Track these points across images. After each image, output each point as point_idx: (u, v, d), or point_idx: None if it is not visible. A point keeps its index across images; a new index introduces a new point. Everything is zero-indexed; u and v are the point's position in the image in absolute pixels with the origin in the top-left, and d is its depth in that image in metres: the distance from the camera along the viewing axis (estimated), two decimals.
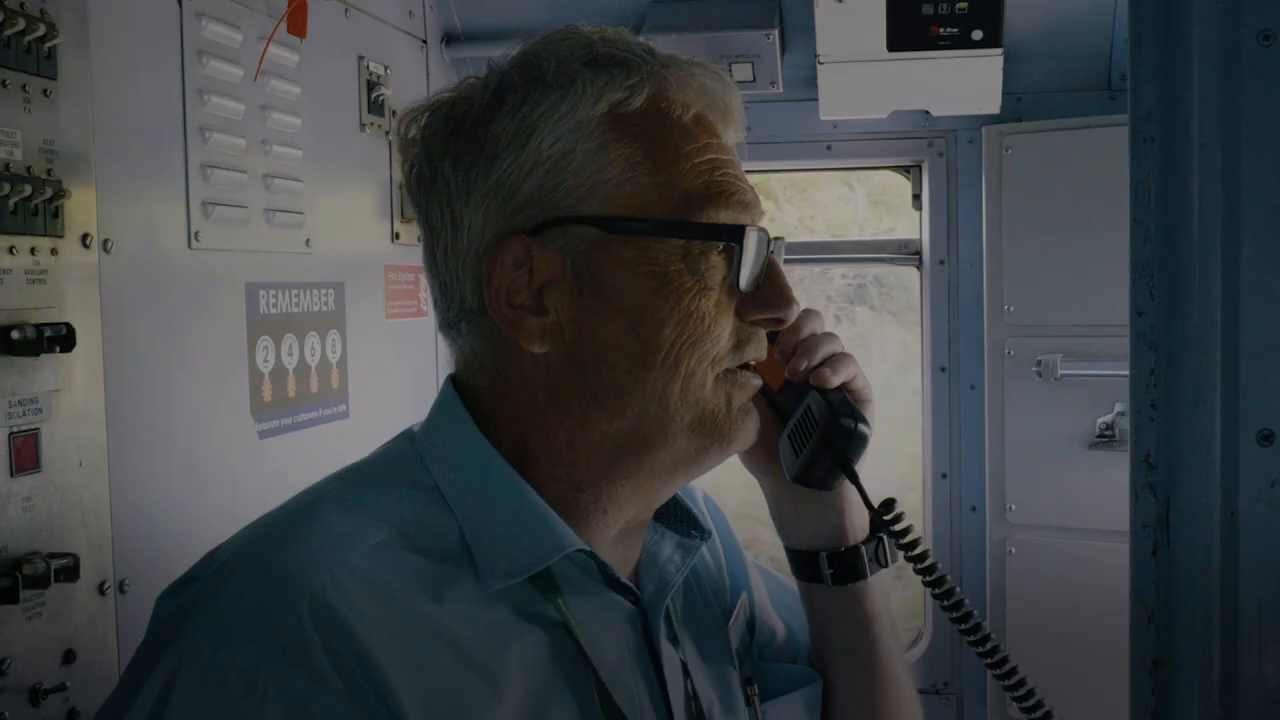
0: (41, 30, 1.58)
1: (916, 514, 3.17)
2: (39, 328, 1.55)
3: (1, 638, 1.53)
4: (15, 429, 1.55)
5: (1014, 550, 2.90)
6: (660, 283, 1.13)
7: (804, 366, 1.30)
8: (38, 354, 1.55)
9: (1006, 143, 2.85)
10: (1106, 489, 2.77)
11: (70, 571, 1.58)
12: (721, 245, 1.15)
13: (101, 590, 1.69)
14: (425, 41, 2.86)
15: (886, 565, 1.40)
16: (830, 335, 1.33)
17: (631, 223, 1.13)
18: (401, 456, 1.22)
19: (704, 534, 1.33)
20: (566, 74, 1.14)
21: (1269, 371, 1.18)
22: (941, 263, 3.01)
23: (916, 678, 3.05)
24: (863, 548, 1.38)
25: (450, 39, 2.97)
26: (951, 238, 3.00)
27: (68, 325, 1.58)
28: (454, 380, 1.25)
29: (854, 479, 1.30)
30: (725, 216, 1.15)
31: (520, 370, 1.18)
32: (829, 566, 1.38)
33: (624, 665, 1.20)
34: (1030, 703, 1.35)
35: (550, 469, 1.18)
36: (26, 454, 1.56)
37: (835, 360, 1.32)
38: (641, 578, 1.28)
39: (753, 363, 1.22)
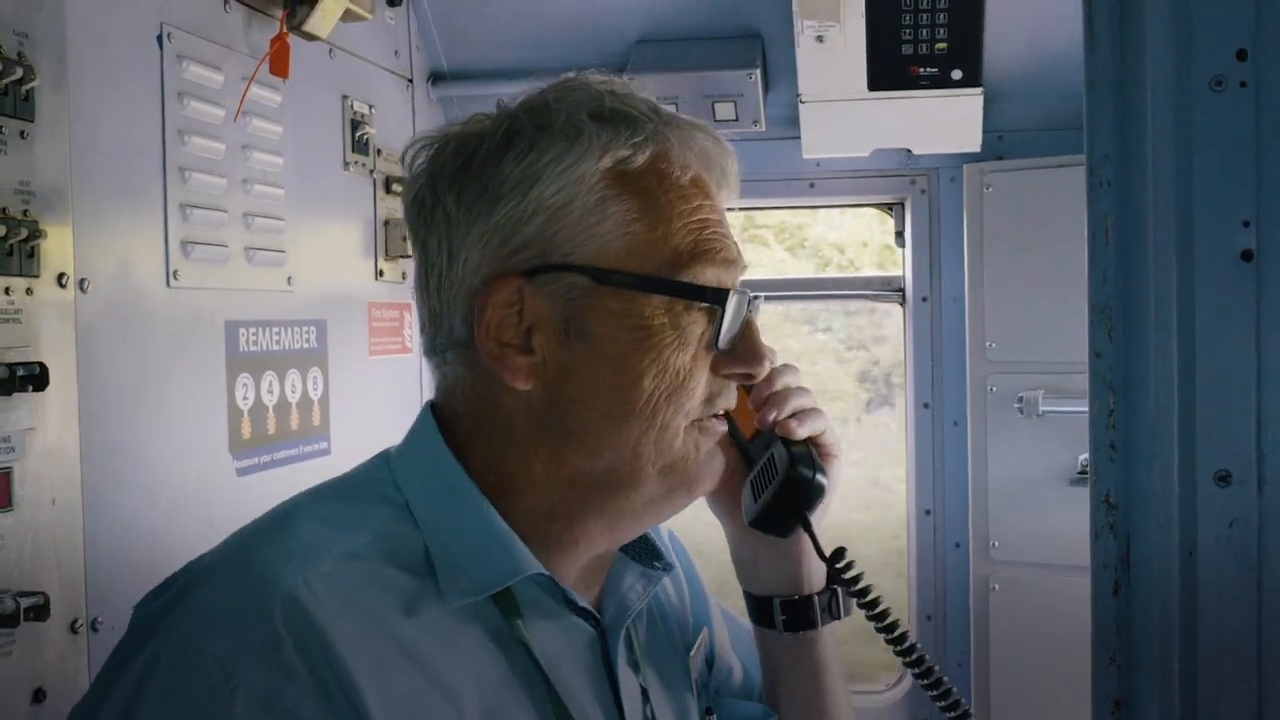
0: (18, 74, 1.59)
1: (900, 552, 3.17)
2: (11, 367, 1.56)
3: None
4: None
5: (998, 587, 2.90)
6: (644, 335, 1.18)
7: (772, 417, 1.35)
8: (10, 393, 1.56)
9: (987, 181, 2.87)
10: (1088, 525, 2.77)
11: (40, 610, 1.58)
12: (705, 304, 1.20)
13: (73, 629, 1.69)
14: (411, 80, 2.89)
15: (839, 617, 1.44)
16: (803, 390, 1.38)
17: (621, 275, 1.18)
18: (376, 475, 1.26)
19: (667, 566, 1.36)
20: (574, 125, 1.18)
21: (1226, 412, 1.19)
22: (924, 299, 3.03)
23: (900, 715, 3.06)
24: (816, 598, 1.43)
25: (436, 78, 3.00)
26: (934, 274, 3.02)
27: (41, 364, 1.59)
28: (433, 407, 1.29)
29: (808, 528, 1.34)
30: (710, 274, 1.20)
31: (502, 404, 1.22)
32: (782, 613, 1.43)
33: (582, 687, 1.24)
34: None
35: (524, 498, 1.22)
36: None
37: (804, 414, 1.37)
38: (604, 604, 1.31)
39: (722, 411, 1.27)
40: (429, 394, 2.73)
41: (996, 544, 2.89)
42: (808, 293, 3.32)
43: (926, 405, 3.04)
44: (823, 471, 1.33)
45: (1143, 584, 1.26)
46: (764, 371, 1.28)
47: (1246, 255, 1.16)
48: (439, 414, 1.27)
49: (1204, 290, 1.19)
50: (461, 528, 1.19)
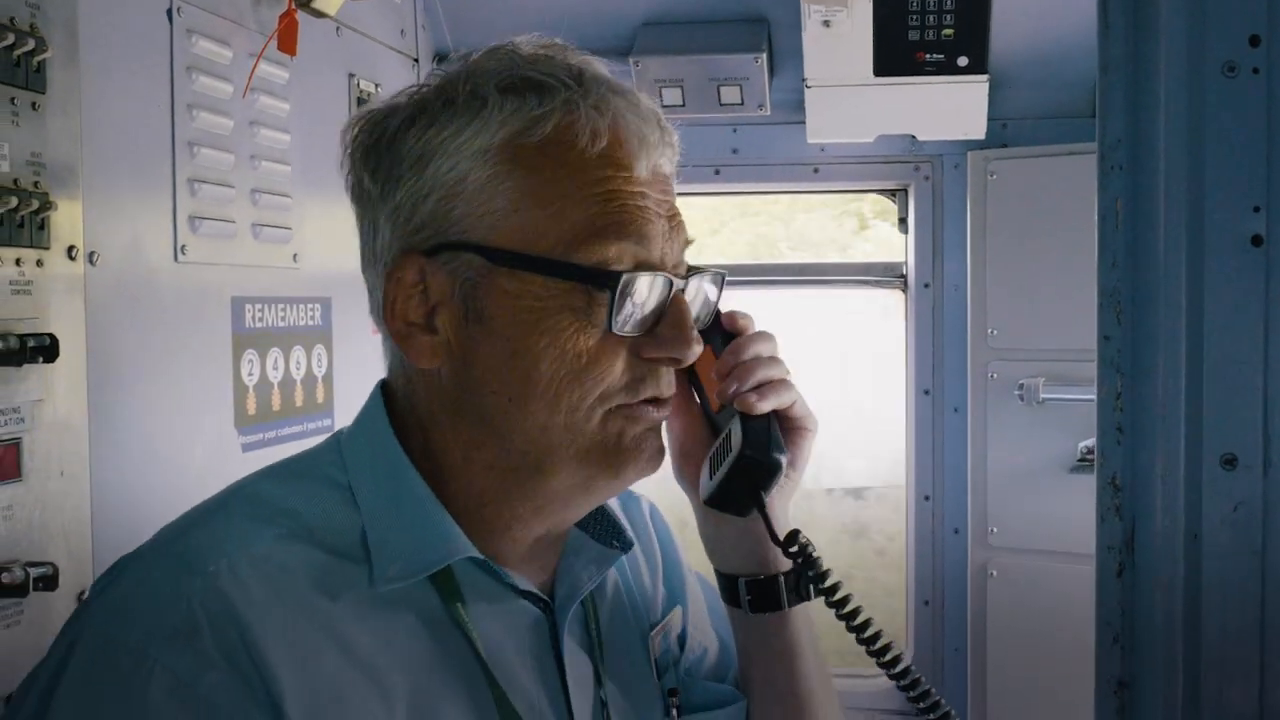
0: (31, 45, 1.59)
1: (899, 535, 3.19)
2: (22, 338, 1.56)
3: None
4: None
5: (995, 573, 2.91)
6: (538, 318, 1.14)
7: (732, 390, 1.28)
8: (20, 364, 1.56)
9: (992, 168, 2.88)
10: (1087, 512, 2.77)
11: (49, 580, 1.59)
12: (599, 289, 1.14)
13: (80, 600, 1.70)
14: (416, 60, 2.88)
15: (808, 598, 1.37)
16: (773, 360, 1.31)
17: (513, 256, 1.14)
18: (324, 455, 1.25)
19: (625, 545, 1.32)
20: (479, 98, 1.15)
21: (1233, 397, 1.19)
22: (926, 286, 3.03)
23: (896, 700, 3.07)
24: (782, 578, 1.36)
25: (441, 58, 2.99)
26: (936, 261, 3.03)
27: (51, 336, 1.59)
28: (384, 385, 1.27)
29: (762, 510, 1.28)
30: (615, 251, 1.14)
31: (423, 383, 1.21)
32: (748, 593, 1.36)
33: (526, 672, 1.21)
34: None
35: (452, 481, 1.20)
36: (7, 463, 1.57)
37: (770, 386, 1.29)
38: (557, 584, 1.28)
39: (657, 394, 1.20)
40: None
41: (995, 530, 2.91)
42: (808, 278, 3.32)
43: (927, 392, 3.05)
44: (780, 449, 1.27)
45: (1147, 566, 1.27)
46: (691, 356, 1.19)
47: (1256, 240, 1.17)
48: (387, 393, 1.26)
49: (1213, 275, 1.20)
50: (400, 511, 1.18)
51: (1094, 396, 2.78)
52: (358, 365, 2.54)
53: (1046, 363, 2.84)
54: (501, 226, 1.14)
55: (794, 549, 1.30)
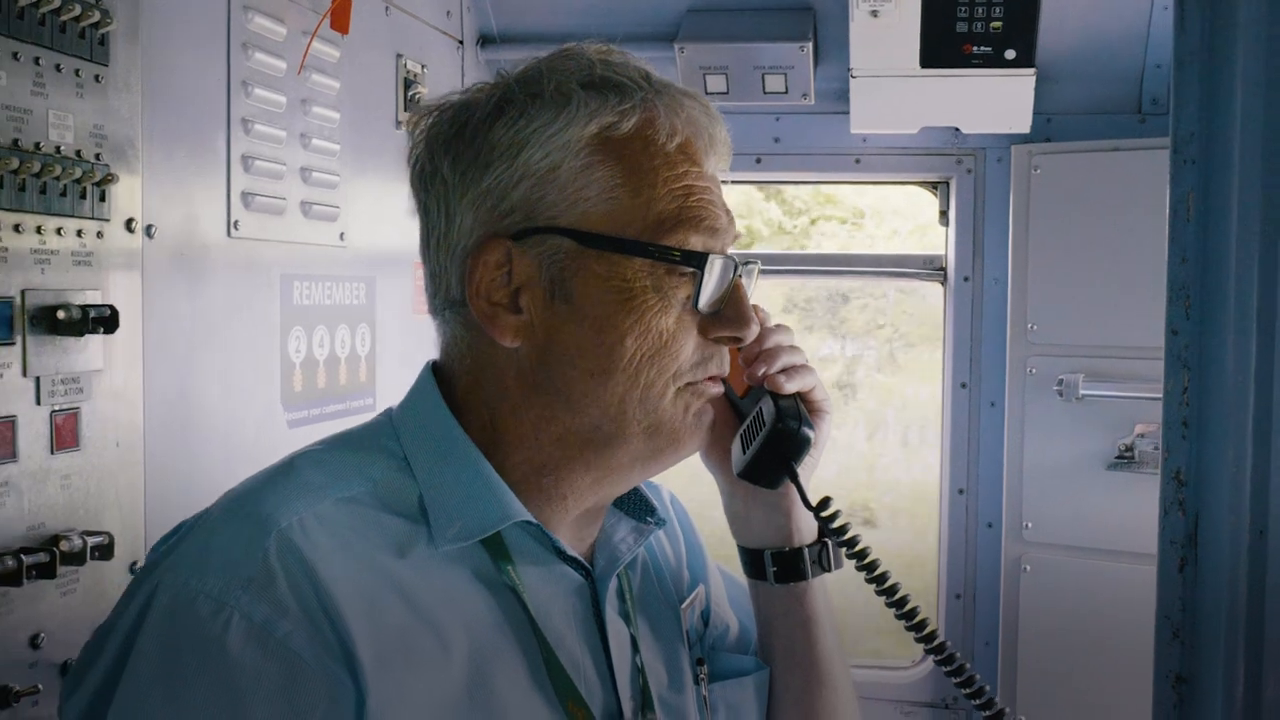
0: (96, 17, 1.60)
1: (931, 528, 3.18)
2: (84, 308, 1.57)
3: (37, 612, 1.55)
4: (57, 407, 1.57)
5: (1029, 568, 2.91)
6: (626, 297, 1.21)
7: (761, 372, 1.38)
8: (82, 334, 1.57)
9: (1036, 162, 2.87)
10: (1124, 510, 2.78)
11: (105, 550, 1.60)
12: (688, 269, 1.23)
13: (132, 570, 1.71)
14: (461, 42, 2.89)
15: (829, 569, 1.47)
16: (794, 348, 1.42)
17: (604, 239, 1.21)
18: (378, 429, 1.31)
19: (659, 520, 1.40)
20: (564, 93, 1.22)
21: None
22: (966, 279, 3.02)
23: (927, 692, 3.08)
24: (806, 550, 1.46)
25: (485, 40, 3.00)
26: (977, 255, 3.02)
27: (111, 307, 1.60)
28: (434, 365, 1.33)
29: (794, 479, 1.37)
30: (694, 241, 1.23)
31: (495, 361, 1.26)
32: (773, 565, 1.46)
33: (571, 633, 1.28)
34: (991, 712, 1.36)
35: (516, 453, 1.26)
36: (67, 432, 1.59)
37: (794, 370, 1.39)
38: (595, 555, 1.35)
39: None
40: None
41: (1030, 525, 2.90)
42: (848, 268, 3.31)
43: (964, 385, 3.04)
44: (809, 424, 1.36)
45: (1210, 562, 1.26)
46: (751, 335, 1.29)
47: None
48: (439, 373, 1.32)
49: None
50: (456, 479, 1.24)
51: (1134, 394, 2.78)
52: (398, 345, 2.55)
53: (1086, 359, 2.82)
54: (593, 213, 1.21)
55: (826, 514, 1.38)
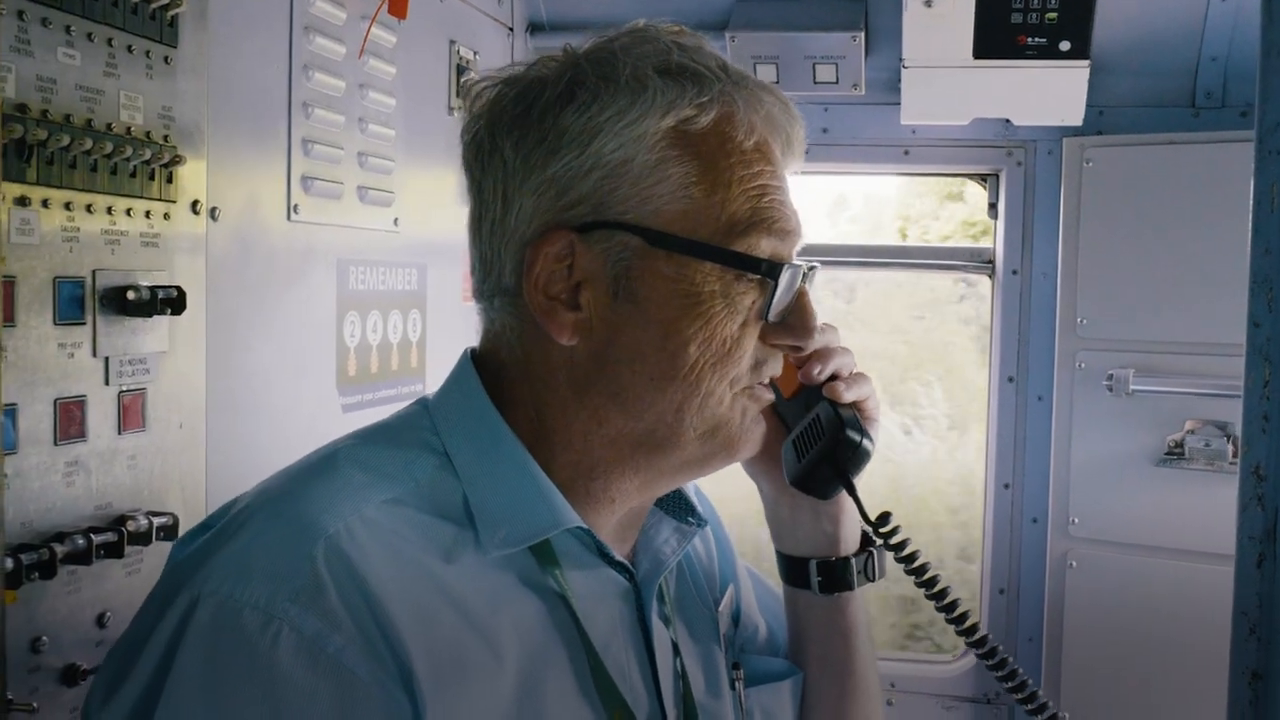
0: None
1: (976, 523, 3.17)
2: (153, 289, 1.58)
3: (104, 591, 1.56)
4: (124, 388, 1.58)
5: (1075, 564, 2.89)
6: (693, 302, 1.16)
7: (816, 372, 1.33)
8: (150, 315, 1.58)
9: (1087, 155, 2.85)
10: (1173, 506, 2.77)
11: (170, 530, 1.61)
12: (757, 275, 1.18)
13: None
14: (511, 29, 2.88)
15: (874, 579, 1.44)
16: (845, 350, 1.37)
17: (675, 240, 1.15)
18: (416, 421, 1.25)
19: (701, 522, 1.36)
20: (640, 80, 1.16)
21: None
22: (1015, 273, 3.01)
23: (968, 687, 3.06)
24: (853, 560, 1.42)
25: (535, 28, 2.99)
26: (1026, 248, 3.00)
27: (179, 289, 1.61)
28: (473, 354, 1.28)
29: (852, 492, 1.33)
30: (766, 244, 1.18)
31: (546, 356, 1.20)
32: (818, 575, 1.42)
33: (616, 638, 1.23)
34: (1044, 716, 1.35)
35: (563, 453, 1.21)
36: (134, 413, 1.59)
37: (851, 377, 1.35)
38: (638, 558, 1.31)
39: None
40: None
41: (1076, 521, 2.88)
42: (895, 260, 3.30)
43: (1011, 379, 3.03)
44: (870, 437, 1.32)
45: None
46: (813, 345, 1.26)
47: None
48: (479, 361, 1.26)
49: None
50: (501, 479, 1.18)
51: (1185, 390, 2.76)
52: (449, 331, 2.55)
53: (1136, 354, 2.80)
54: (664, 210, 1.16)
55: (886, 529, 1.35)
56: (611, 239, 1.16)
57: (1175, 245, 2.75)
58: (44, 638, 1.47)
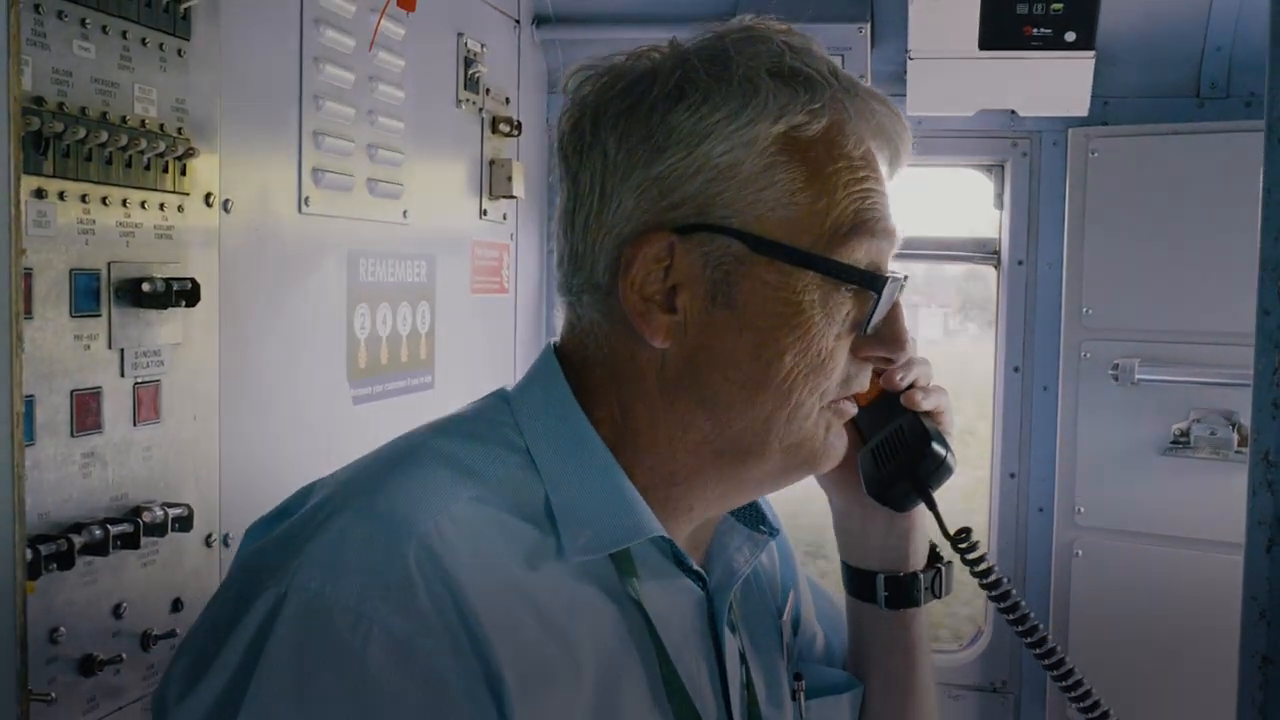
0: None
1: (983, 512, 3.18)
2: (167, 281, 1.59)
3: (120, 582, 1.57)
4: (139, 379, 1.59)
5: (1081, 553, 2.90)
6: (793, 311, 1.13)
7: (900, 379, 1.31)
8: (165, 307, 1.59)
9: (1093, 146, 2.85)
10: (1178, 495, 2.78)
11: (185, 522, 1.62)
12: (858, 287, 1.14)
13: (208, 543, 1.73)
14: (518, 21, 2.89)
15: (940, 596, 1.41)
16: (925, 360, 1.34)
17: (780, 248, 1.12)
18: (497, 416, 1.21)
19: (772, 530, 1.33)
20: (752, 82, 1.13)
21: None
22: (1020, 263, 3.01)
23: (975, 675, 3.08)
24: (921, 575, 1.40)
25: (541, 20, 3.00)
26: (1031, 239, 3.00)
27: (193, 281, 1.62)
28: (556, 349, 1.24)
29: (932, 506, 1.31)
30: (868, 248, 1.14)
31: (636, 358, 1.17)
32: (885, 589, 1.39)
33: (688, 647, 1.21)
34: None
35: (646, 457, 1.18)
36: (148, 404, 1.60)
37: (930, 388, 1.33)
38: (709, 565, 1.28)
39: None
40: (524, 336, 2.75)
41: (1082, 510, 2.89)
42: (901, 251, 3.29)
43: (1016, 369, 3.03)
44: (951, 450, 1.29)
45: None
46: (904, 358, 1.24)
47: None
48: (561, 356, 1.23)
49: None
50: (586, 482, 1.16)
51: (1191, 379, 2.76)
52: (456, 323, 2.56)
53: (1142, 343, 2.81)
54: (769, 217, 1.13)
55: (964, 545, 1.32)
56: (712, 242, 1.13)
57: (1180, 235, 2.76)
58: (61, 628, 1.49)
